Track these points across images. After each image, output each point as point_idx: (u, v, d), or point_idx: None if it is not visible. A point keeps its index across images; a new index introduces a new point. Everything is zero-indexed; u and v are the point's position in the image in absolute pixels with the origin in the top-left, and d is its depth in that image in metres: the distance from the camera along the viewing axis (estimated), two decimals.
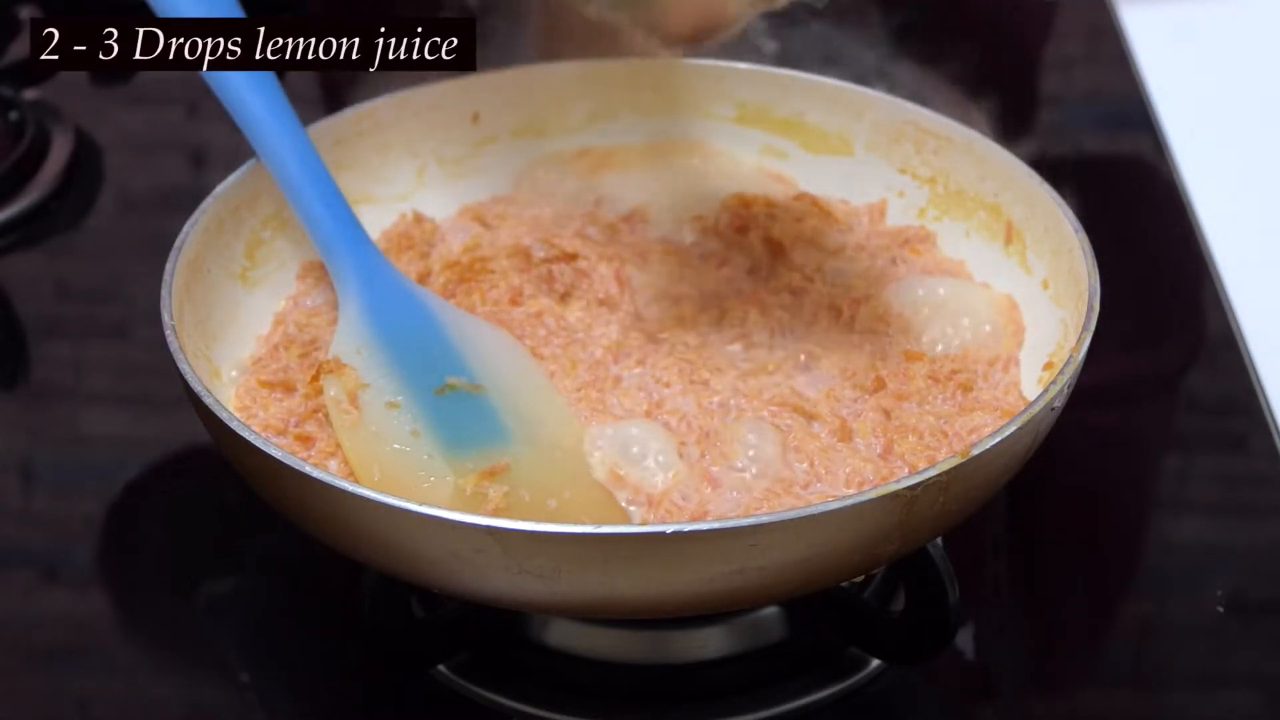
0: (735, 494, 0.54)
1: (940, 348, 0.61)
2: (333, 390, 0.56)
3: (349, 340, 0.59)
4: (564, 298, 0.63)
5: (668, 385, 0.58)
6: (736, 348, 0.61)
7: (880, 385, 0.58)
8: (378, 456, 0.54)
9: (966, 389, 0.58)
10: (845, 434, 0.56)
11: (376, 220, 0.67)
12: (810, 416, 0.56)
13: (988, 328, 0.61)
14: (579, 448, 0.56)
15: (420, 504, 0.46)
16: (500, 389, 0.57)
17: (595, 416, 0.57)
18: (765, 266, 0.65)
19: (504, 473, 0.53)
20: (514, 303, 0.62)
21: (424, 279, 0.64)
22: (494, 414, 0.56)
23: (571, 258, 0.64)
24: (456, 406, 0.56)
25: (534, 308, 0.62)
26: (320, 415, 0.56)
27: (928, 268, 0.65)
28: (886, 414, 0.56)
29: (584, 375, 0.59)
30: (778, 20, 0.66)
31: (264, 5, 0.65)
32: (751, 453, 0.55)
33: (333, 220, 0.62)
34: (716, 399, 0.57)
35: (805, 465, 0.55)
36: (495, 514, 0.51)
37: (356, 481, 0.52)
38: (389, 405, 0.56)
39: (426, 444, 0.54)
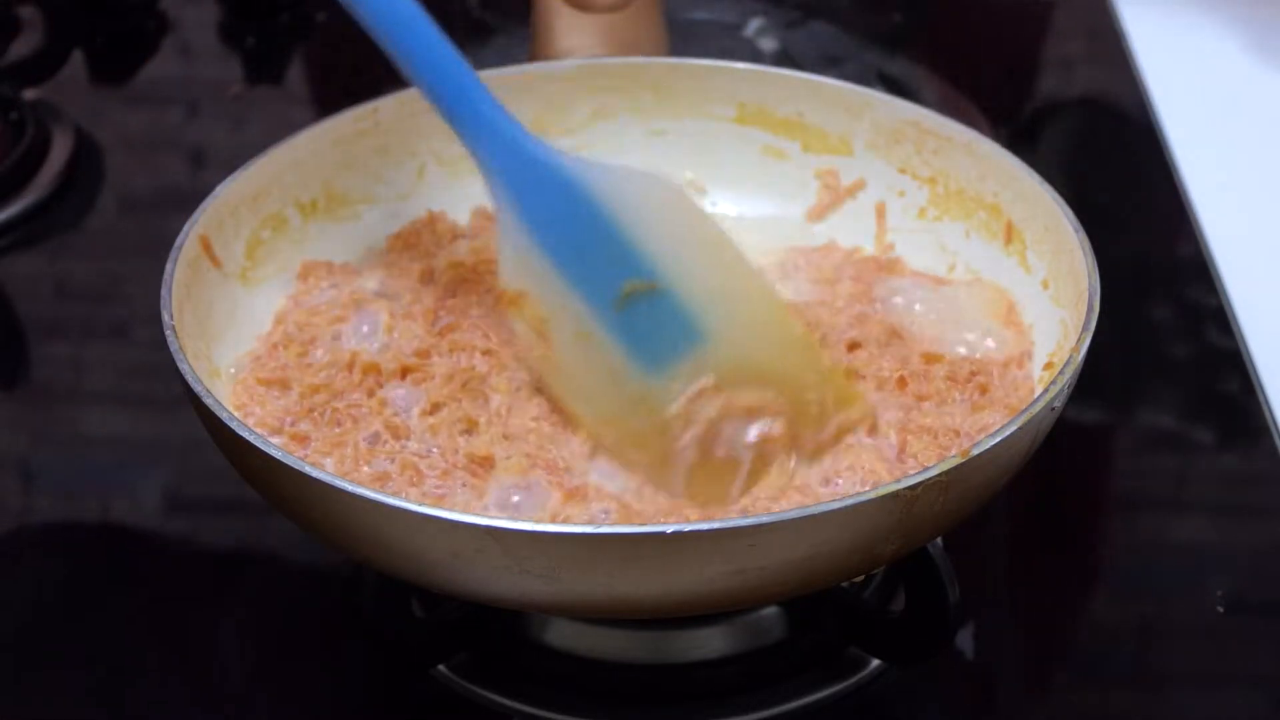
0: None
1: (960, 350, 0.61)
2: (519, 326, 0.55)
3: (515, 259, 0.56)
4: None
5: None
6: None
7: (903, 385, 0.57)
8: (588, 396, 0.54)
9: (984, 390, 0.58)
10: (871, 430, 0.56)
11: (377, 221, 0.67)
12: None
13: (995, 328, 0.61)
14: (778, 305, 0.56)
15: (419, 504, 0.46)
16: (678, 269, 0.55)
17: None
18: None
19: (711, 393, 0.54)
20: (514, 303, 0.62)
21: (427, 278, 0.63)
22: (684, 314, 0.55)
23: None
24: (643, 316, 0.55)
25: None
26: (315, 414, 0.56)
27: (928, 268, 0.65)
28: (906, 413, 0.56)
29: None
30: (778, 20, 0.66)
31: (265, 6, 0.65)
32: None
33: (471, 103, 0.57)
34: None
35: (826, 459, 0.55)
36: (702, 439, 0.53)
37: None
38: (577, 336, 0.55)
39: (632, 382, 0.54)
